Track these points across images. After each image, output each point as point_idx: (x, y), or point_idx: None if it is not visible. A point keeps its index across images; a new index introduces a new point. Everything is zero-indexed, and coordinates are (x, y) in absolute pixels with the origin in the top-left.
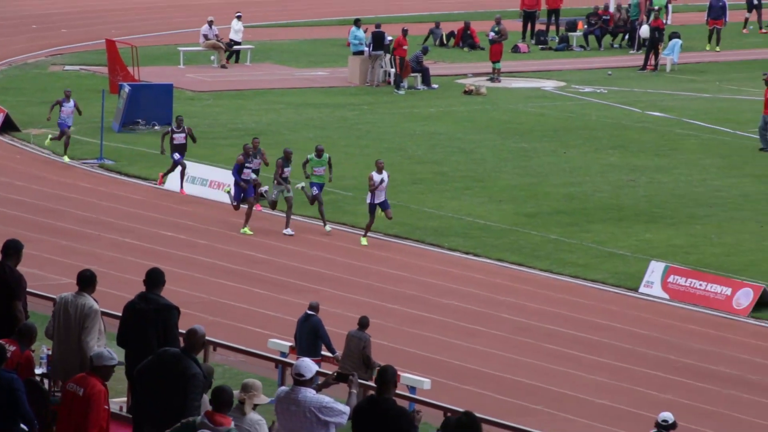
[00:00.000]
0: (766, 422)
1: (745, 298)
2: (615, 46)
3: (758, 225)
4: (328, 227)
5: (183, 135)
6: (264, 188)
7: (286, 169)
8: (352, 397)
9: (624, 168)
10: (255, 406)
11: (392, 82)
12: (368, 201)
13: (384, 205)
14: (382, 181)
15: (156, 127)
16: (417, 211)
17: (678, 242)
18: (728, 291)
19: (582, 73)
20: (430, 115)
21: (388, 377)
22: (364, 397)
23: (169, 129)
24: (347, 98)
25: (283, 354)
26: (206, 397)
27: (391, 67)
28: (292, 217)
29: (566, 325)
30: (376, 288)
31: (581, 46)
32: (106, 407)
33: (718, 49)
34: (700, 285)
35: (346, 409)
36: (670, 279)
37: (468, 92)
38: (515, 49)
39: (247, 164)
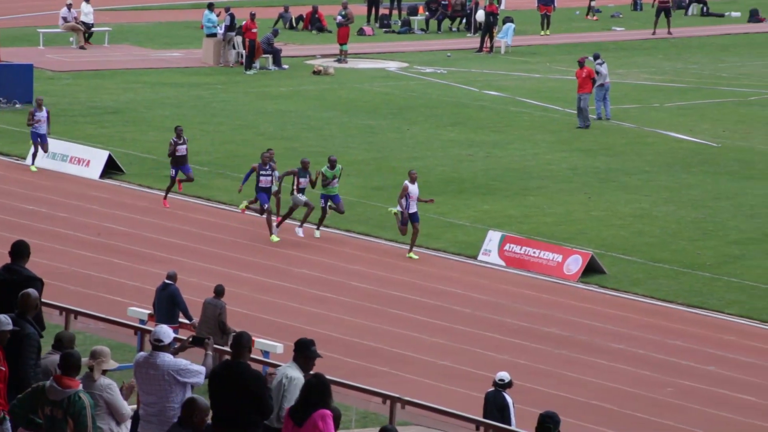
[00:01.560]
0: (593, 379)
1: (574, 264)
2: (453, 29)
3: (586, 196)
4: (300, 231)
5: (185, 147)
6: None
7: (302, 180)
8: (208, 358)
9: (463, 143)
10: (104, 372)
11: (243, 64)
12: (402, 210)
13: (414, 218)
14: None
15: (17, 105)
16: None
17: (513, 213)
18: (559, 258)
19: (423, 55)
20: (281, 94)
21: (243, 342)
22: (220, 361)
23: (171, 141)
24: (202, 78)
25: (142, 321)
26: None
27: (243, 49)
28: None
29: (410, 291)
30: (231, 258)
31: (422, 30)
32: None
33: (548, 32)
34: (534, 252)
35: (203, 369)
36: (506, 247)
37: (317, 72)
38: (361, 32)
39: (262, 172)
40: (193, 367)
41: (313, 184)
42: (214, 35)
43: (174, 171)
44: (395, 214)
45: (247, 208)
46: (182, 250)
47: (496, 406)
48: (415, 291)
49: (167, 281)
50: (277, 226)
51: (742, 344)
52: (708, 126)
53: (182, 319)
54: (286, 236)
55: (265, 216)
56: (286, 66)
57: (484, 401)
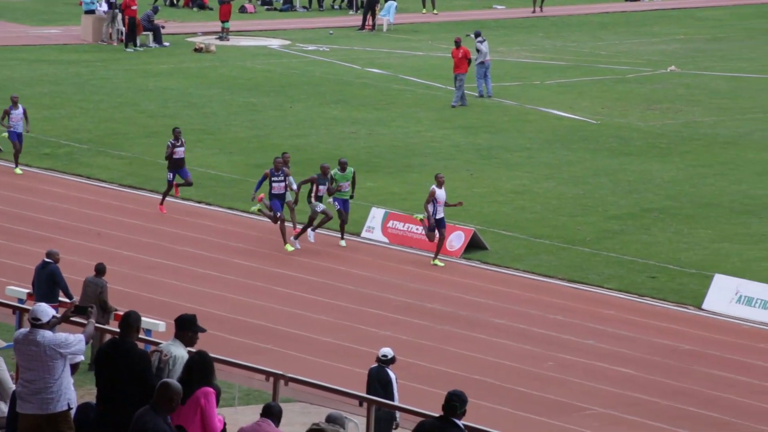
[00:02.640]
0: (475, 354)
1: (457, 240)
2: (335, 7)
3: (468, 173)
4: (343, 242)
5: (183, 149)
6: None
7: (321, 187)
8: (90, 326)
9: (346, 121)
10: None
11: (123, 41)
12: (428, 215)
13: (441, 224)
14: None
15: None
16: (151, 162)
17: (396, 190)
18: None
19: (305, 32)
20: (162, 71)
21: (130, 321)
22: (108, 340)
23: (169, 143)
24: (81, 55)
25: (20, 300)
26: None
27: (123, 26)
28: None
29: (293, 268)
30: (112, 236)
31: (304, 7)
32: None
33: (435, 12)
34: (417, 229)
35: (82, 337)
36: (390, 224)
37: (198, 50)
38: (242, 9)
39: (274, 179)
40: (73, 338)
41: (330, 191)
42: (93, 12)
43: (171, 175)
44: (421, 220)
45: (260, 211)
46: (61, 228)
47: (379, 381)
48: (298, 268)
49: (47, 260)
50: (296, 237)
51: (621, 318)
52: (587, 103)
53: (62, 298)
54: (167, 213)
55: (278, 224)
56: (167, 43)
57: (368, 377)
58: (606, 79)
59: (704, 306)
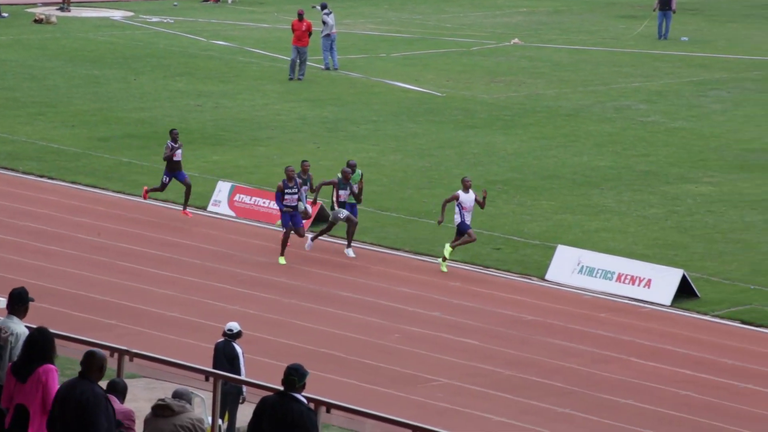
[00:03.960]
0: (322, 327)
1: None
2: None
3: (315, 146)
4: (350, 251)
5: (180, 151)
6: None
7: (342, 192)
8: None
9: (191, 94)
10: None
11: None
12: (458, 220)
13: (466, 227)
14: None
15: None
16: None
17: (243, 163)
18: None
19: (149, 4)
20: (1, 43)
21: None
22: None
23: (168, 145)
24: None
25: None
26: None
27: None
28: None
29: (138, 243)
30: None
31: None
32: None
33: None
34: (264, 203)
35: None
36: (236, 198)
37: (38, 21)
38: None
39: (288, 191)
40: None
41: (356, 197)
42: None
43: (167, 177)
44: (444, 259)
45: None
46: None
47: (225, 356)
48: (143, 243)
49: None
50: (312, 239)
51: (466, 290)
52: (432, 76)
53: None
54: (7, 188)
55: (283, 235)
56: (5, 14)
57: (214, 351)
58: (451, 52)
59: (547, 277)
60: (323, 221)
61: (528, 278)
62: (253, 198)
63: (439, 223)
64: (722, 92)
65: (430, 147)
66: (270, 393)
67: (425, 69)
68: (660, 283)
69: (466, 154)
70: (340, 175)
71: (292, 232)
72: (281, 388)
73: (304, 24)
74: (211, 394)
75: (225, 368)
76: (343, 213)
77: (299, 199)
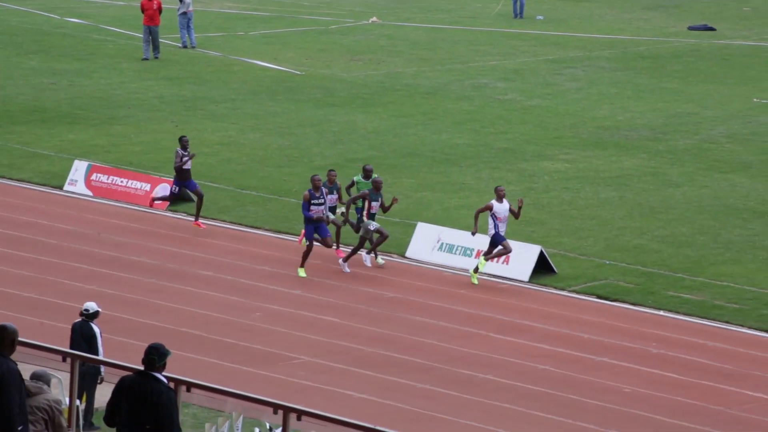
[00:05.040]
0: (182, 306)
1: (163, 192)
2: None
3: (173, 125)
4: (380, 259)
5: (189, 158)
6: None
7: (374, 204)
8: None
9: (45, 72)
10: None
11: None
12: (492, 231)
13: (501, 238)
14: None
15: None
16: None
17: (100, 142)
18: (147, 186)
19: None
20: None
21: None
22: None
23: (177, 152)
24: None
25: None
26: None
27: None
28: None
29: None
30: None
31: None
32: None
33: None
34: (121, 182)
35: None
36: (93, 177)
37: None
38: None
39: (314, 201)
40: None
41: (385, 208)
42: None
43: (177, 187)
44: (476, 270)
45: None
46: None
47: (83, 336)
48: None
49: None
50: (345, 260)
51: (327, 268)
52: (292, 54)
53: None
54: None
55: (306, 247)
56: None
57: (71, 332)
58: (310, 30)
59: (408, 254)
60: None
61: (389, 255)
62: (111, 177)
63: (473, 234)
64: (577, 70)
65: (289, 125)
66: (129, 373)
67: (284, 47)
68: (518, 259)
69: (325, 132)
70: (369, 184)
71: (318, 243)
72: (140, 367)
73: (155, 2)
74: (68, 375)
75: (83, 348)
76: (373, 225)
77: (325, 210)
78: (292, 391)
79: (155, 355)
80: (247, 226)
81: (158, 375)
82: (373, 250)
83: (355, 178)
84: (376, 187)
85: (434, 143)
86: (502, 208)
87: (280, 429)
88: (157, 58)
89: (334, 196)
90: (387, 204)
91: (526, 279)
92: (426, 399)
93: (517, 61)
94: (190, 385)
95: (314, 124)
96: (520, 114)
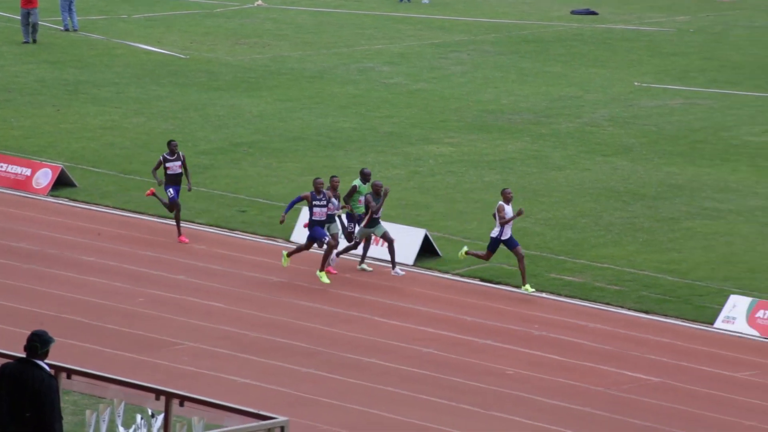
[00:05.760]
0: (64, 293)
1: (44, 177)
2: None
3: (55, 109)
4: (365, 266)
5: (178, 163)
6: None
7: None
8: None
9: None
10: None
11: None
12: (494, 235)
13: (512, 243)
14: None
15: None
16: None
17: None
18: (28, 171)
19: None
20: None
21: None
22: None
23: (160, 157)
24: None
25: None
26: None
27: None
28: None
29: None
30: None
31: None
32: None
33: None
34: (2, 167)
35: None
36: None
37: None
38: None
39: (316, 202)
40: None
41: (374, 211)
42: None
43: (173, 190)
44: (466, 253)
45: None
46: None
47: None
48: None
49: None
50: (360, 263)
51: (212, 253)
52: (176, 38)
53: None
54: None
55: (324, 248)
56: None
57: None
58: (194, 14)
59: (293, 238)
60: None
61: (274, 240)
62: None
63: (495, 241)
64: (462, 54)
65: (174, 109)
66: (10, 360)
67: (168, 31)
68: (403, 243)
69: (210, 116)
70: (370, 190)
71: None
72: (21, 354)
73: None
74: None
75: None
76: (380, 229)
77: (327, 213)
78: (176, 377)
79: (37, 342)
80: (131, 211)
81: (39, 362)
82: (393, 263)
83: (356, 183)
84: (376, 192)
85: (320, 127)
86: (509, 210)
87: (162, 415)
88: (35, 41)
89: (334, 204)
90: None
91: (411, 262)
92: (311, 383)
93: (403, 45)
94: (70, 372)
95: (199, 108)
96: (405, 98)
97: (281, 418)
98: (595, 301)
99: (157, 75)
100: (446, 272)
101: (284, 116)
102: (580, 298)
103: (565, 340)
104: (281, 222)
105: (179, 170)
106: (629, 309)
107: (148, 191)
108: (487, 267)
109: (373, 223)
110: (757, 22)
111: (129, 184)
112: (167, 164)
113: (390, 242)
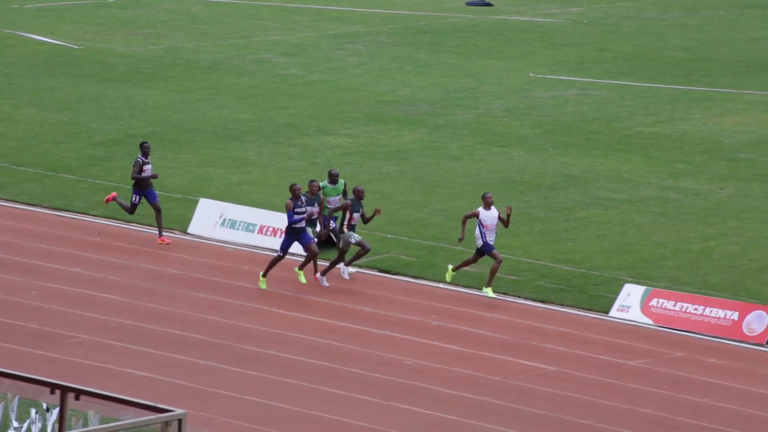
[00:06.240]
0: None
1: None
2: None
3: None
4: (351, 269)
5: (150, 166)
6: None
7: (355, 215)
8: None
9: None
10: None
11: None
12: (480, 242)
13: (488, 247)
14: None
15: None
16: None
17: None
18: None
19: None
20: None
21: None
22: None
23: (138, 160)
24: None
25: None
26: None
27: None
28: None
29: None
30: None
31: None
32: None
33: None
34: None
35: None
36: None
37: None
38: None
39: (297, 209)
40: None
41: (366, 220)
42: None
43: (137, 197)
44: (454, 269)
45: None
46: None
47: None
48: None
49: None
50: (323, 273)
51: (108, 245)
52: (69, 28)
53: None
54: None
55: (312, 255)
56: None
57: None
58: (87, 4)
59: (190, 230)
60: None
61: (170, 232)
62: None
63: (460, 240)
64: (358, 45)
65: (67, 101)
66: None
67: (61, 21)
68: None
69: (105, 107)
70: (352, 196)
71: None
72: None
73: None
74: None
75: None
76: (355, 237)
77: (309, 221)
78: (71, 371)
79: None
80: (23, 203)
81: None
82: (351, 262)
83: (321, 184)
84: (359, 197)
85: (216, 118)
86: (489, 215)
87: (57, 409)
88: None
89: (315, 209)
90: (368, 215)
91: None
92: (208, 375)
93: (299, 35)
94: None
95: (93, 100)
96: (302, 89)
97: (179, 411)
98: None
99: (50, 66)
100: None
101: (180, 108)
102: (478, 289)
103: (463, 330)
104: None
105: (151, 173)
106: (526, 299)
107: (109, 196)
108: (384, 258)
109: (352, 229)
110: (648, 14)
111: (21, 176)
112: (143, 166)
113: (365, 250)
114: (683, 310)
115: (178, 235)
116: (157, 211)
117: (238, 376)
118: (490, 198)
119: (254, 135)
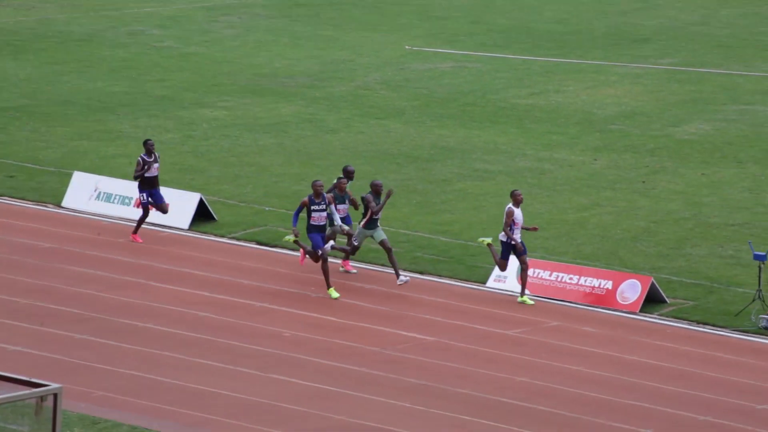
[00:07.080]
0: None
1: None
2: None
3: None
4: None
5: (156, 165)
6: (330, 243)
7: (340, 207)
8: None
9: None
10: None
11: None
12: (504, 239)
13: (523, 250)
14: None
15: None
16: None
17: None
18: None
19: None
20: None
21: None
22: None
23: (140, 159)
24: None
25: None
26: None
27: None
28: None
29: None
30: None
31: None
32: None
33: None
34: None
35: None
36: None
37: None
38: None
39: (315, 207)
40: None
41: (374, 212)
42: None
43: (145, 195)
44: (488, 245)
45: (296, 242)
46: None
47: None
48: None
49: None
50: (344, 258)
51: None
52: None
53: None
54: None
55: (320, 263)
56: None
57: None
58: None
59: (64, 204)
60: None
61: (44, 206)
62: None
63: (515, 247)
64: (233, 18)
65: None
66: None
67: None
68: (177, 207)
69: None
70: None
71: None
72: None
73: None
74: None
75: None
76: (358, 230)
77: (330, 217)
78: None
79: None
80: None
81: None
82: (396, 270)
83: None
84: (377, 191)
85: (90, 91)
86: (520, 213)
87: None
88: None
89: (345, 206)
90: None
91: (186, 227)
92: (84, 349)
93: (173, 8)
94: None
95: None
96: (177, 61)
97: (54, 386)
98: (370, 263)
99: None
100: (222, 236)
101: (52, 80)
102: (356, 260)
103: (341, 302)
104: (295, 236)
105: (156, 172)
106: (404, 270)
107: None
108: (263, 230)
109: (372, 225)
110: None
111: None
112: (146, 166)
113: (389, 251)
114: (559, 279)
115: (52, 209)
116: (164, 212)
117: (115, 349)
118: (520, 195)
119: (129, 108)
